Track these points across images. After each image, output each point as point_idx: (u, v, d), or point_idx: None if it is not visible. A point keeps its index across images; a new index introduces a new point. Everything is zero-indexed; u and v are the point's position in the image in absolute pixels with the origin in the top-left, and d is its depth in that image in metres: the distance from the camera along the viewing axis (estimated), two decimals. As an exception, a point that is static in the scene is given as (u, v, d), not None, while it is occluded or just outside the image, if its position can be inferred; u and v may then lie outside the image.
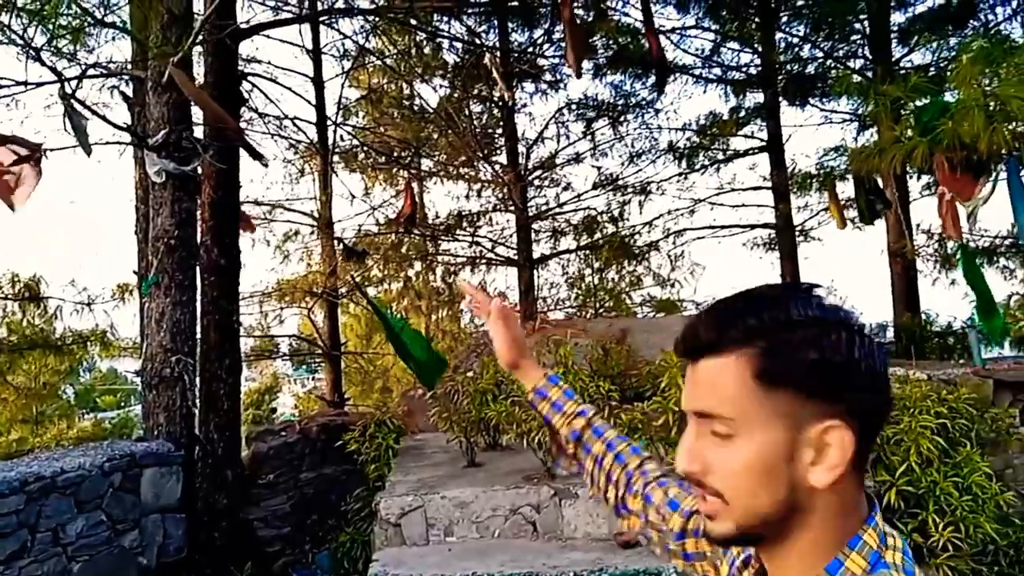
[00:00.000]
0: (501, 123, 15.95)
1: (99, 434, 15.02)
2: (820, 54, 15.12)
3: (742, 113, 15.87)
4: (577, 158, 16.57)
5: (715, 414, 0.93)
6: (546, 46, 15.66)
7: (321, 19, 13.75)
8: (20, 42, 7.71)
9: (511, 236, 16.18)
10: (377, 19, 13.93)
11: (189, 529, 7.80)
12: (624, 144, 16.41)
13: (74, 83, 7.76)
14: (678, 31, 15.34)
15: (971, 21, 13.33)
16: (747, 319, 0.93)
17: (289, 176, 15.79)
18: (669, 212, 16.43)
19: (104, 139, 9.12)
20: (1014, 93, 6.85)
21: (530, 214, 15.82)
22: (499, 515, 6.30)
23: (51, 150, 7.59)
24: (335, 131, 14.74)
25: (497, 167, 15.98)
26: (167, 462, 7.61)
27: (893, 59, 13.53)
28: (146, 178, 8.80)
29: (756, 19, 15.03)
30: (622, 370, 8.82)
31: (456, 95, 15.78)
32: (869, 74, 13.21)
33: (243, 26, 9.62)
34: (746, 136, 15.91)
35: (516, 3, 14.75)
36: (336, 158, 15.11)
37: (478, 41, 15.01)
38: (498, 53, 13.95)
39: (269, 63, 14.51)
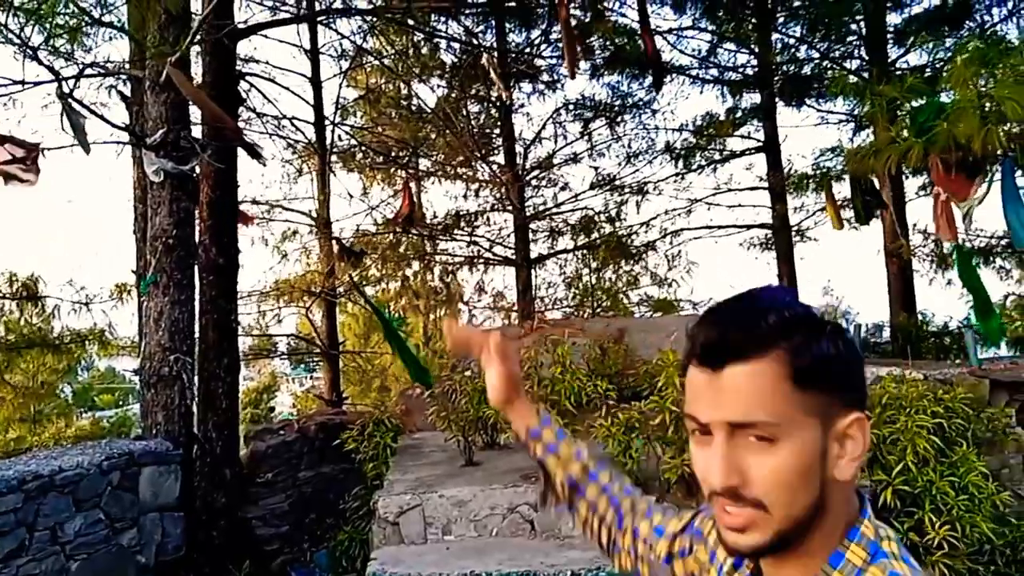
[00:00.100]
0: (499, 123, 15.97)
1: (97, 433, 15.00)
2: (816, 55, 15.16)
3: (739, 113, 15.90)
4: (574, 158, 16.60)
5: (756, 421, 0.91)
6: (543, 46, 15.69)
7: (319, 19, 13.76)
8: (17, 41, 7.71)
9: (509, 236, 16.20)
10: (375, 19, 13.94)
11: (187, 528, 7.81)
12: (621, 144, 16.46)
13: (72, 82, 7.75)
14: (675, 31, 15.38)
15: (967, 22, 13.38)
16: (767, 322, 0.94)
17: (287, 176, 15.82)
18: (666, 212, 16.47)
19: (102, 138, 9.14)
20: (1008, 94, 6.88)
21: (528, 214, 15.84)
22: (497, 514, 6.32)
23: (48, 149, 7.61)
24: (333, 131, 14.76)
25: (495, 167, 16.00)
26: (165, 461, 7.62)
27: (889, 60, 13.57)
28: (144, 177, 8.81)
29: (753, 20, 15.06)
30: (619, 369, 8.85)
31: (454, 95, 15.79)
32: (865, 75, 13.22)
33: (241, 26, 9.63)
34: (743, 136, 15.94)
35: (513, 3, 14.76)
36: (334, 158, 15.12)
37: (476, 41, 15.03)
38: (496, 53, 13.95)
39: (267, 63, 14.53)
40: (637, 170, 16.43)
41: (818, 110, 15.50)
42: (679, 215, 16.42)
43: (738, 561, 1.10)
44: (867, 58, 13.90)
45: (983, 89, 7.44)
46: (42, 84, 8.26)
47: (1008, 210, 7.57)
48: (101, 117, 7.98)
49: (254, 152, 8.83)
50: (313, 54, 14.54)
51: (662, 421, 5.89)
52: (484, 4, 14.80)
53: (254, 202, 14.57)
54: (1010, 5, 13.17)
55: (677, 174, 16.28)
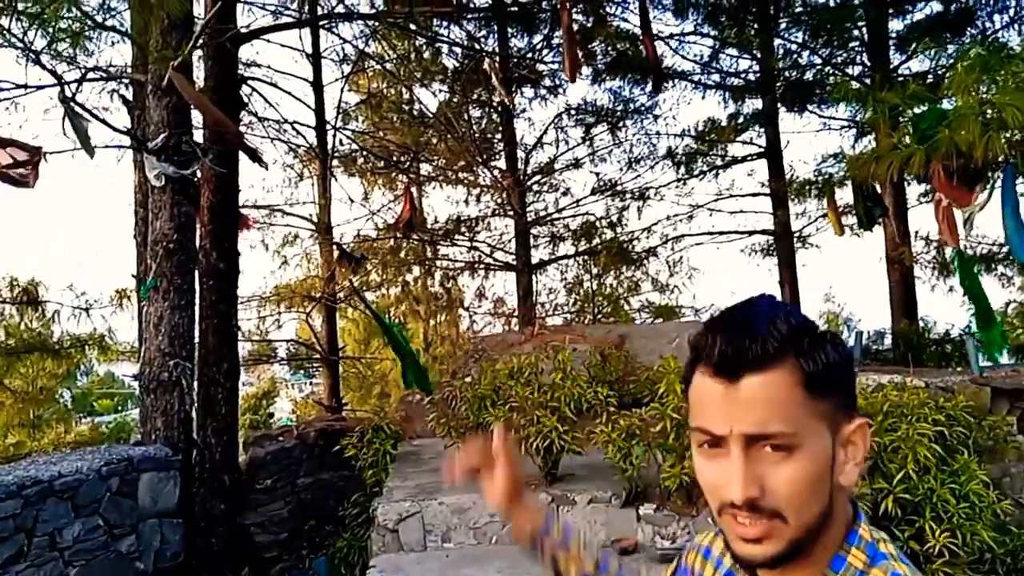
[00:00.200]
0: (500, 128, 15.97)
1: (97, 438, 14.97)
2: (818, 61, 15.15)
3: (741, 119, 15.91)
4: (576, 163, 16.61)
5: (775, 432, 0.91)
6: (545, 51, 15.69)
7: (321, 23, 13.78)
8: (20, 45, 7.73)
9: (510, 241, 16.20)
10: (377, 24, 13.97)
11: (186, 534, 7.79)
12: (623, 150, 16.47)
13: (74, 86, 7.78)
14: (677, 37, 15.38)
15: (969, 29, 13.38)
16: (778, 331, 0.93)
17: (288, 180, 15.81)
18: (668, 218, 16.45)
19: (104, 142, 9.16)
20: (1010, 101, 6.87)
21: (529, 219, 15.83)
22: (497, 521, 6.29)
23: (50, 153, 7.61)
24: (334, 135, 14.76)
25: (496, 172, 16.00)
26: (165, 467, 7.60)
27: (891, 66, 13.56)
28: (145, 182, 8.82)
29: (755, 25, 15.07)
30: (620, 376, 8.84)
31: (455, 100, 15.81)
32: (867, 81, 13.24)
33: (243, 30, 9.65)
34: (744, 142, 15.95)
35: (515, 8, 14.79)
36: (335, 162, 15.12)
37: (477, 46, 15.03)
38: (497, 58, 13.97)
39: (269, 67, 14.60)
40: (639, 175, 16.46)
41: (820, 116, 15.50)
42: (681, 221, 16.44)
43: (728, 573, 1.10)
44: (869, 64, 13.89)
45: (985, 96, 7.44)
46: (45, 88, 8.28)
47: (1007, 218, 7.56)
48: (103, 121, 8.01)
49: (255, 156, 8.84)
50: (315, 58, 14.55)
51: (663, 428, 5.86)
52: (486, 9, 14.83)
53: (255, 206, 14.59)
54: (1011, 12, 13.19)
55: (679, 180, 16.30)
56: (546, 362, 7.60)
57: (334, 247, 14.03)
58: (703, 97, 18.14)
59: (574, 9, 12.00)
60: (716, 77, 15.99)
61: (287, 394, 25.43)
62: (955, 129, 7.22)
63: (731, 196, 16.17)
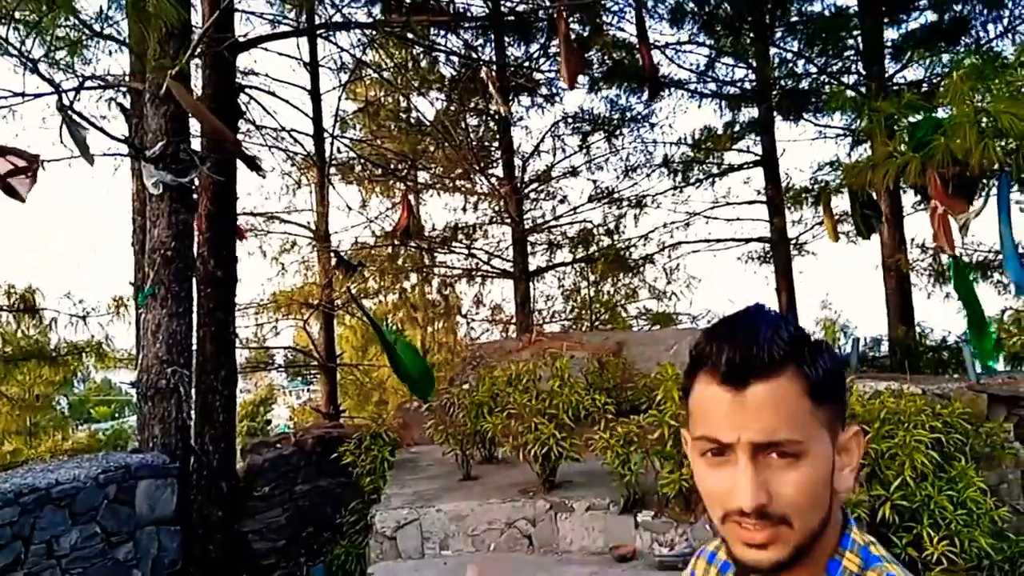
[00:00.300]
0: (497, 136, 16.00)
1: (94, 446, 14.94)
2: (814, 69, 15.21)
3: (736, 128, 15.96)
4: (573, 171, 16.63)
5: (783, 439, 0.92)
6: (542, 60, 15.74)
7: (319, 32, 13.82)
8: (17, 54, 7.74)
9: (507, 248, 16.22)
10: (374, 33, 14.02)
11: (184, 542, 7.77)
12: (619, 158, 16.49)
13: (72, 95, 7.78)
14: (673, 46, 15.43)
15: (963, 38, 13.45)
16: (782, 339, 0.95)
17: (286, 188, 15.84)
18: (664, 225, 16.48)
19: (102, 151, 9.17)
20: (1006, 108, 6.91)
21: (526, 227, 15.85)
22: (495, 528, 6.29)
23: (48, 161, 7.62)
24: (332, 143, 14.80)
25: (493, 180, 16.03)
26: (162, 474, 7.59)
27: (886, 75, 13.62)
28: (143, 190, 8.83)
29: (750, 34, 15.13)
30: (618, 383, 8.84)
31: (453, 108, 15.84)
32: (863, 89, 13.29)
33: (241, 39, 9.66)
34: (740, 150, 16.00)
35: (512, 18, 14.84)
36: (333, 170, 15.15)
37: (475, 55, 15.09)
38: (494, 67, 14.01)
39: (267, 75, 14.56)
40: (635, 183, 16.49)
41: (816, 124, 15.57)
42: (677, 228, 16.46)
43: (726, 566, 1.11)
44: (864, 73, 13.95)
45: (980, 104, 7.48)
46: (42, 96, 8.30)
47: (1002, 226, 7.59)
48: (101, 129, 7.99)
49: (253, 164, 8.84)
50: (313, 67, 14.60)
51: (661, 435, 5.87)
52: (483, 18, 14.88)
53: (253, 214, 14.61)
54: (1006, 22, 13.26)
55: (675, 187, 16.32)
56: (544, 369, 7.61)
57: (332, 254, 14.05)
58: (699, 105, 18.19)
59: (571, 18, 12.05)
60: (712, 86, 16.07)
61: (285, 401, 25.40)
62: (951, 137, 7.26)
63: (727, 204, 16.22)
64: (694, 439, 0.99)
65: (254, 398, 23.14)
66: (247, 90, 11.33)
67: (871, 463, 5.70)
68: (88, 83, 9.57)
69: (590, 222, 16.68)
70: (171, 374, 8.06)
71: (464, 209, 16.95)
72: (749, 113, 15.81)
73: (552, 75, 15.57)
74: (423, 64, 15.69)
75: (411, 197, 15.03)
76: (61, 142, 7.27)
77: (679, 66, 15.73)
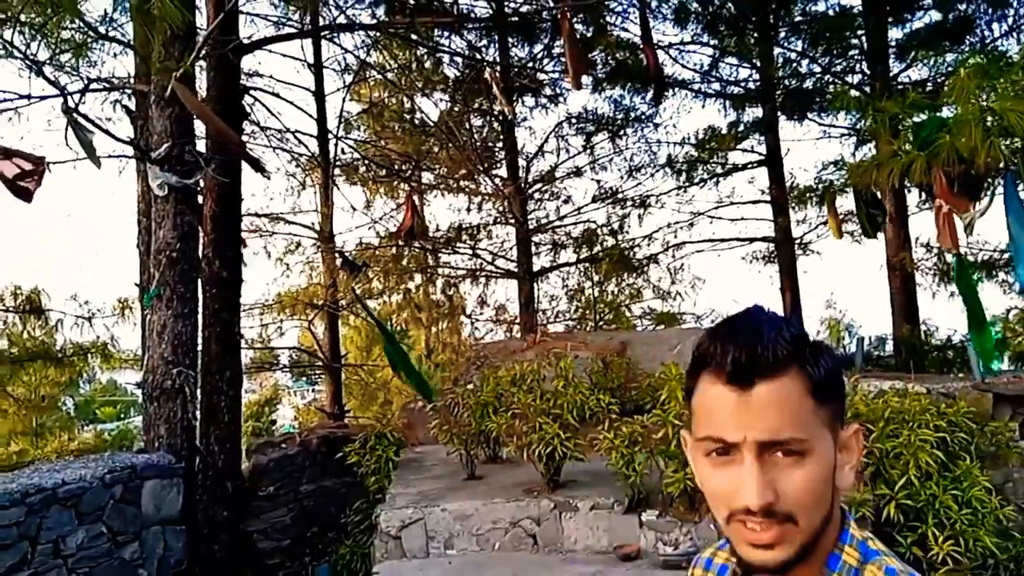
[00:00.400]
0: (501, 137, 16.02)
1: (100, 446, 14.98)
2: (818, 69, 15.20)
3: (741, 127, 15.94)
4: (577, 171, 16.65)
5: (788, 438, 0.93)
6: (546, 61, 15.76)
7: (323, 34, 13.85)
8: (22, 57, 7.77)
9: (511, 249, 16.23)
10: (378, 34, 14.03)
11: (189, 541, 7.79)
12: (623, 158, 16.50)
13: (77, 97, 7.81)
14: (676, 46, 15.43)
15: (968, 37, 13.43)
16: (785, 339, 0.96)
17: (291, 189, 15.87)
18: (669, 225, 16.49)
19: (107, 153, 9.19)
20: (1011, 107, 6.90)
21: (530, 227, 15.86)
22: (499, 528, 6.30)
23: (54, 163, 7.65)
24: (336, 144, 14.82)
25: (497, 180, 16.04)
26: (168, 474, 7.61)
27: (891, 74, 13.60)
28: (148, 191, 8.85)
29: (754, 34, 15.12)
30: (622, 383, 8.85)
31: (457, 109, 15.86)
32: (867, 89, 13.27)
33: (245, 41, 9.70)
34: (745, 150, 15.99)
35: (516, 18, 14.86)
36: (337, 171, 15.17)
37: (478, 56, 15.10)
38: (498, 68, 14.03)
39: (271, 77, 14.64)
40: (639, 183, 16.50)
41: (820, 124, 15.55)
42: (681, 228, 16.47)
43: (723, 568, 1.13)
44: (869, 72, 13.94)
45: (985, 103, 7.46)
46: (47, 98, 8.33)
47: (1012, 226, 7.55)
48: (106, 131, 8.03)
49: (258, 166, 8.87)
50: (317, 68, 14.62)
51: (665, 435, 5.87)
52: (487, 19, 14.89)
53: (258, 215, 14.63)
54: (1010, 21, 13.23)
55: (679, 187, 16.33)
56: (548, 369, 7.62)
57: (336, 255, 14.06)
58: (703, 105, 18.23)
59: (574, 19, 12.05)
60: (716, 86, 16.07)
61: (289, 401, 25.46)
62: (956, 135, 7.25)
63: (732, 204, 16.22)
64: (698, 439, 0.99)
65: (259, 398, 23.19)
66: (251, 92, 11.36)
67: (876, 462, 5.70)
68: (93, 85, 9.60)
69: (594, 222, 16.71)
70: (177, 375, 8.09)
71: (468, 209, 16.97)
72: (753, 113, 15.80)
73: (556, 75, 15.59)
74: (427, 65, 15.71)
75: (415, 198, 15.03)
76: (66, 144, 7.31)
77: (683, 66, 15.75)
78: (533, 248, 16.04)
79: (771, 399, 0.93)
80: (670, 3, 14.76)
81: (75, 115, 7.33)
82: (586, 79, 14.03)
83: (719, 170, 16.34)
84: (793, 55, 15.42)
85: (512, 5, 15.26)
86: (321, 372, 16.55)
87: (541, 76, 15.90)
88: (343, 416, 14.46)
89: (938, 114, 8.20)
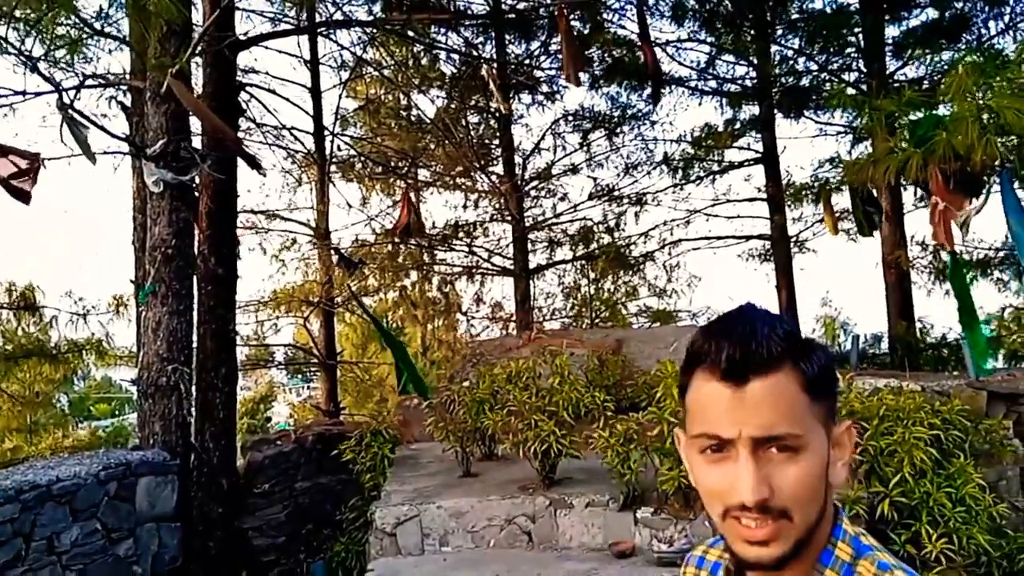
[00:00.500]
0: (498, 134, 16.01)
1: (94, 443, 14.94)
2: (815, 67, 15.21)
3: (737, 125, 15.94)
4: (573, 169, 16.64)
5: (783, 434, 0.93)
6: (543, 58, 15.75)
7: (319, 30, 13.80)
8: (17, 53, 7.74)
9: (507, 246, 16.23)
10: (375, 31, 14.01)
11: (184, 538, 7.79)
12: (620, 155, 16.51)
13: (72, 93, 7.78)
14: (673, 44, 15.42)
15: (964, 35, 13.45)
16: (779, 336, 0.96)
17: (287, 186, 15.83)
18: (665, 223, 16.48)
19: (102, 149, 9.16)
20: (1008, 104, 6.90)
21: (526, 224, 15.86)
22: (494, 525, 6.31)
23: (49, 159, 7.62)
24: (332, 141, 14.78)
25: (494, 177, 16.03)
26: (162, 471, 7.60)
27: (887, 72, 13.61)
28: (144, 188, 8.83)
29: (751, 32, 15.12)
30: (618, 380, 8.85)
31: (453, 106, 15.85)
32: (864, 87, 13.28)
33: (241, 37, 9.68)
34: (741, 148, 15.99)
35: (513, 15, 14.84)
36: (333, 168, 15.13)
37: (475, 53, 15.09)
38: (495, 65, 14.01)
39: (267, 73, 14.50)
40: (636, 181, 16.52)
41: (816, 122, 15.55)
42: (678, 226, 16.46)
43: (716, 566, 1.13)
44: (865, 70, 13.94)
45: (982, 101, 7.47)
46: (43, 95, 8.30)
47: (1011, 222, 7.56)
48: (101, 128, 8.01)
49: (253, 162, 8.85)
50: (313, 65, 14.58)
51: (660, 432, 5.88)
52: (484, 16, 14.88)
53: (253, 211, 14.60)
54: (1007, 19, 13.25)
55: (676, 185, 16.34)
56: (544, 366, 7.62)
57: (332, 252, 14.04)
58: (700, 103, 18.18)
59: (571, 16, 12.04)
60: (713, 83, 16.06)
61: (285, 398, 25.43)
62: (952, 133, 7.26)
63: (728, 201, 16.23)
64: (692, 436, 0.99)
65: (254, 395, 23.18)
66: (247, 88, 11.33)
67: (870, 460, 5.71)
68: (89, 81, 9.56)
69: (590, 220, 16.71)
70: (172, 371, 8.08)
71: (464, 207, 16.99)
72: (750, 110, 15.82)
73: (553, 73, 15.58)
74: (424, 62, 15.69)
75: (412, 195, 15.01)
76: (62, 141, 7.29)
77: (680, 63, 15.74)
78: (529, 245, 16.04)
79: (765, 395, 0.93)
80: (667, 0, 14.75)
81: (70, 111, 7.30)
82: (583, 76, 14.03)
83: (715, 168, 16.35)
84: (790, 53, 15.43)
85: (509, 2, 15.26)
86: (316, 369, 16.53)
87: (538, 73, 15.90)
88: (338, 413, 14.44)
89: (934, 112, 8.21)
